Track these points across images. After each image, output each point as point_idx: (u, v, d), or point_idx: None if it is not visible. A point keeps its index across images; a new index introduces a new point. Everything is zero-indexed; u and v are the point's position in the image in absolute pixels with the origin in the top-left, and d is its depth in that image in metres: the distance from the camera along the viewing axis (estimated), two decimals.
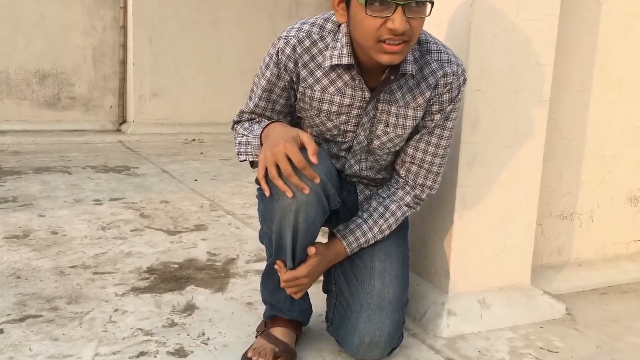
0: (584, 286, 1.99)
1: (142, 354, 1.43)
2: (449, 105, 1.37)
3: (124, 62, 6.11)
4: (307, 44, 1.32)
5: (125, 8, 6.02)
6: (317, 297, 1.53)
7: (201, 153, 4.87)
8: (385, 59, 1.21)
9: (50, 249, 2.21)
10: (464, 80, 1.37)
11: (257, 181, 1.30)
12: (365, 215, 1.42)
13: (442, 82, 1.34)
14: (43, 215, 2.67)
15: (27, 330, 1.53)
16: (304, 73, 1.34)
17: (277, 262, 1.36)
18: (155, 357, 1.42)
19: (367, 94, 1.33)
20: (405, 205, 1.44)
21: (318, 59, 1.33)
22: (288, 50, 1.32)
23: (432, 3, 1.19)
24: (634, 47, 2.00)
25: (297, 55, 1.33)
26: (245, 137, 1.35)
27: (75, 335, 1.51)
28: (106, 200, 3.01)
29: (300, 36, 1.32)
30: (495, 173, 1.66)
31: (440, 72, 1.34)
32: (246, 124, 1.40)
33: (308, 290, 1.48)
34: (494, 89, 1.61)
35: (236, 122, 1.44)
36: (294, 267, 1.36)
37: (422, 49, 1.35)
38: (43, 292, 1.78)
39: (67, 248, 2.22)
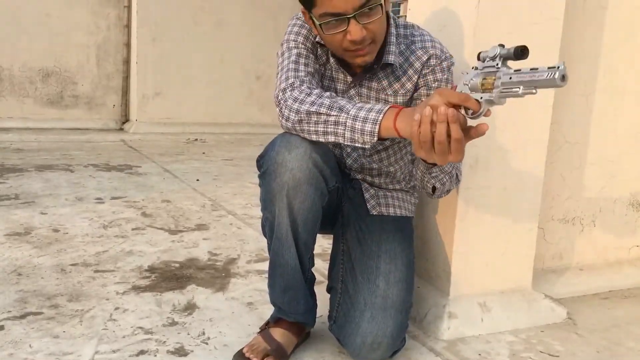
0: (586, 290, 1.99)
1: (142, 352, 1.43)
2: (434, 84, 1.41)
3: (127, 61, 6.13)
4: None
5: (129, 7, 6.04)
6: (318, 299, 1.53)
7: (203, 153, 4.87)
8: (358, 61, 1.31)
9: (52, 246, 2.21)
10: (449, 65, 1.41)
11: (258, 163, 1.36)
12: None
13: (426, 64, 1.40)
14: (45, 212, 2.67)
15: (27, 327, 1.53)
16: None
17: None
18: (155, 355, 1.42)
19: (349, 78, 1.42)
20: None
21: None
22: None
23: (381, 5, 1.24)
24: (637, 52, 2.00)
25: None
26: (332, 117, 1.21)
27: (75, 332, 1.51)
28: (108, 199, 3.01)
29: None
30: (497, 176, 1.66)
31: (425, 56, 1.40)
32: (317, 100, 1.24)
33: (316, 290, 1.49)
34: None
35: (287, 100, 1.28)
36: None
37: (407, 42, 1.41)
38: (44, 290, 1.79)
39: (68, 246, 2.22)
